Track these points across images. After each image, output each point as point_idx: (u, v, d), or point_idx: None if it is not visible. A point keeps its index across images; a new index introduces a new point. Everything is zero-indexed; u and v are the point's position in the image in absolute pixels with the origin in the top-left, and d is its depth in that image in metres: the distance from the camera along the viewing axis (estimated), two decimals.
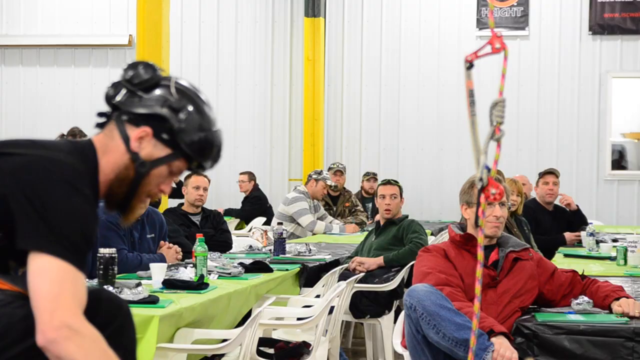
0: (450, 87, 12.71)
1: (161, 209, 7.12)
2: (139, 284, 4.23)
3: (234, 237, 8.38)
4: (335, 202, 9.99)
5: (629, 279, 5.21)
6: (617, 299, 3.84)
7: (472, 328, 3.41)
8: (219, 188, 13.17)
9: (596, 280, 4.08)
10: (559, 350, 3.57)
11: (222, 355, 4.49)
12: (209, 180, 7.25)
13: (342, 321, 6.94)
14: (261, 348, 4.62)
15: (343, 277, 5.65)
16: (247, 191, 11.99)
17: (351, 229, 9.01)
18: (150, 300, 3.94)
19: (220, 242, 6.90)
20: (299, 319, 4.73)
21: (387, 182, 6.56)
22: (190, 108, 2.24)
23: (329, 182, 9.19)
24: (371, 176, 11.35)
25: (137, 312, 3.76)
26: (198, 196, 6.96)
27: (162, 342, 3.84)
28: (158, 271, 4.61)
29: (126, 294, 3.95)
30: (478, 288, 2.33)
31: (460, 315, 3.50)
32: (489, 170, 2.46)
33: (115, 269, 4.28)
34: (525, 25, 12.61)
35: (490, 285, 3.85)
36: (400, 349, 3.87)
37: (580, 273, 4.12)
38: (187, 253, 5.75)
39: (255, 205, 11.82)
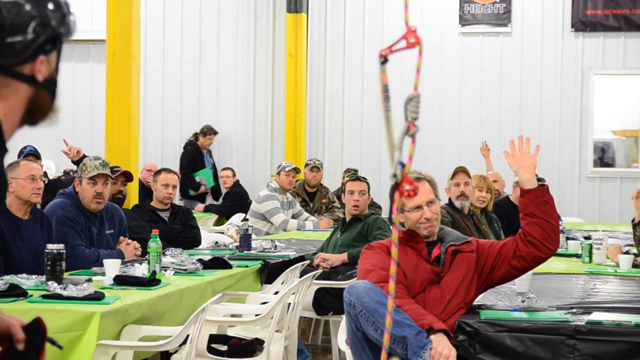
0: (432, 84, 12.68)
1: (128, 205, 7.09)
2: (89, 280, 4.22)
3: (208, 234, 8.37)
4: (312, 198, 9.97)
5: (589, 276, 5.20)
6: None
7: (411, 325, 3.39)
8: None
9: None
10: (501, 348, 3.55)
11: (175, 351, 4.47)
12: (179, 178, 7.22)
13: (312, 319, 6.94)
14: (214, 345, 4.60)
15: (306, 273, 5.61)
16: (230, 187, 11.97)
17: (325, 223, 8.99)
18: (95, 297, 3.92)
19: (189, 238, 6.87)
20: (257, 315, 4.71)
21: (356, 178, 6.53)
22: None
23: (287, 169, 9.19)
24: (352, 172, 11.32)
25: (78, 308, 3.76)
26: (167, 194, 6.91)
27: (107, 339, 3.82)
28: (111, 267, 4.59)
29: (71, 290, 3.93)
30: (392, 285, 2.31)
31: (399, 312, 3.48)
32: (403, 166, 2.43)
33: (63, 265, 4.26)
34: (508, 22, 12.58)
35: (434, 282, 3.83)
36: (344, 347, 3.85)
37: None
38: None
39: (236, 201, 11.78)
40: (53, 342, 2.37)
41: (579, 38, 12.44)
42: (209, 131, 12.58)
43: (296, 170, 9.46)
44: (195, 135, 12.67)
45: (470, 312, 3.82)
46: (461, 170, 6.78)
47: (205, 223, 10.87)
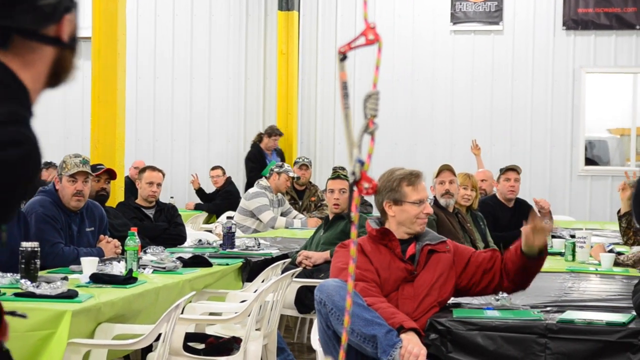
0: (424, 82, 12.67)
1: (114, 202, 7.08)
2: (64, 278, 4.20)
3: (193, 231, 8.36)
4: (301, 196, 9.95)
5: (569, 274, 5.18)
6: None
7: (381, 323, 3.38)
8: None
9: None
10: (472, 346, 3.54)
11: (150, 350, 4.45)
12: (164, 175, 7.21)
13: (298, 317, 6.91)
14: (191, 344, 4.59)
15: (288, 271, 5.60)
16: (220, 185, 11.94)
17: (313, 222, 8.96)
18: (68, 295, 3.90)
19: (174, 236, 6.86)
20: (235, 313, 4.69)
21: (336, 177, 6.53)
22: None
23: (291, 174, 9.15)
24: (334, 171, 11.29)
25: (50, 307, 3.75)
26: (151, 192, 6.89)
27: (80, 338, 3.81)
28: (88, 265, 4.58)
29: (43, 289, 3.91)
30: (350, 284, 2.30)
31: (369, 311, 3.46)
32: (362, 164, 2.42)
33: (38, 262, 4.24)
34: (499, 20, 12.56)
35: (407, 280, 3.81)
36: (317, 345, 3.83)
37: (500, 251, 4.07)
38: None
39: (227, 199, 11.75)
40: (14, 314, 2.30)
41: (570, 36, 12.43)
42: (273, 132, 12.34)
43: (294, 178, 9.46)
44: (260, 135, 12.42)
45: (443, 310, 3.81)
46: (446, 169, 6.76)
47: (195, 221, 10.86)
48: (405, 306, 3.73)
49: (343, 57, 2.47)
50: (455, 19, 12.66)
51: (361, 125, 2.49)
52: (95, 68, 7.51)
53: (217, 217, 11.55)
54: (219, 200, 11.82)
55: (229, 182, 11.96)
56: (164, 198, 11.43)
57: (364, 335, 3.41)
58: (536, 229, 3.67)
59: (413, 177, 3.93)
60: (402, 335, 3.43)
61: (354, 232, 2.40)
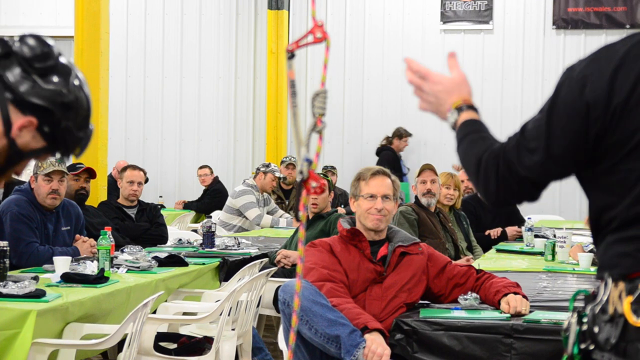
0: None
1: (95, 202, 7.05)
2: (35, 278, 4.18)
3: (177, 231, 8.33)
4: (287, 195, 9.93)
5: (545, 274, 5.16)
6: (507, 294, 3.77)
7: (345, 323, 3.37)
8: (182, 181, 13.12)
9: (492, 276, 4.01)
10: (438, 346, 3.52)
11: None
12: (145, 174, 7.18)
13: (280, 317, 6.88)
14: (163, 343, 4.57)
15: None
16: (208, 184, 11.93)
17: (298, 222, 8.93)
18: (34, 295, 3.87)
19: (155, 236, 6.83)
20: None
21: None
22: (79, 105, 1.97)
23: (277, 174, 9.13)
24: (329, 170, 11.29)
25: (15, 306, 3.73)
26: (132, 191, 6.86)
27: (47, 337, 3.78)
28: (61, 264, 4.56)
29: (10, 288, 3.89)
30: (298, 284, 2.28)
31: (333, 311, 3.44)
32: (310, 162, 2.40)
33: (7, 262, 4.22)
34: (489, 19, 12.55)
35: (376, 281, 3.79)
36: (283, 346, 3.81)
37: (476, 268, 4.06)
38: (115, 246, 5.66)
39: (215, 198, 11.73)
40: None
41: (560, 35, 12.42)
42: (405, 133, 12.33)
43: (280, 178, 9.48)
44: (388, 139, 12.35)
45: (410, 310, 3.79)
46: (427, 168, 6.76)
47: (183, 220, 10.84)
48: (373, 307, 3.71)
49: (291, 55, 2.46)
50: (445, 18, 12.65)
51: (309, 123, 2.47)
52: (77, 67, 7.48)
53: (206, 216, 11.51)
54: (207, 199, 11.80)
55: (216, 181, 11.95)
56: (153, 197, 11.46)
57: (327, 335, 3.39)
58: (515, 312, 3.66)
59: (367, 173, 3.96)
60: (366, 336, 3.41)
61: (302, 231, 2.38)
